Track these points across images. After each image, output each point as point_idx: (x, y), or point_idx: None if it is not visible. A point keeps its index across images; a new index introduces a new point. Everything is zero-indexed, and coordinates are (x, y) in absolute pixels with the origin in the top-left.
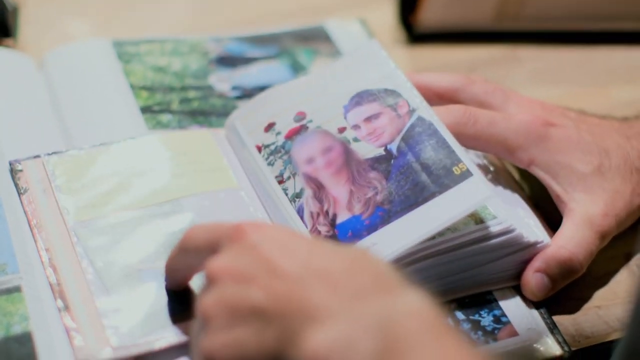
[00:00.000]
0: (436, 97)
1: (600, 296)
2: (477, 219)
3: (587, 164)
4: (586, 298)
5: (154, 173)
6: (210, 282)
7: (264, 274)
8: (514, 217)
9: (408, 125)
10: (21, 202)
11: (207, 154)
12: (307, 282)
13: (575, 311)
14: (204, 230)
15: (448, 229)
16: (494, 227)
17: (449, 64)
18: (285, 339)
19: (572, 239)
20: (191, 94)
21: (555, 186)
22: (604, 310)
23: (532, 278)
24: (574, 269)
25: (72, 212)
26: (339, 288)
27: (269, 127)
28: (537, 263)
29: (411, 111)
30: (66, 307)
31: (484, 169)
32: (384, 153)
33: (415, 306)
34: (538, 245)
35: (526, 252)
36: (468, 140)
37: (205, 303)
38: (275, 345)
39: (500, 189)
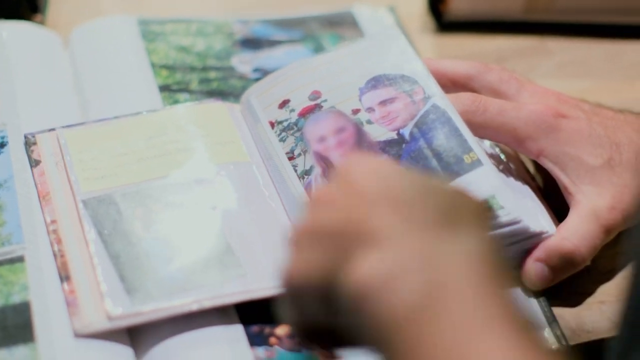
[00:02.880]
0: (451, 84)
1: (604, 292)
2: None
3: (596, 157)
4: (590, 292)
5: (166, 145)
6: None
7: (344, 195)
8: (521, 207)
9: (422, 111)
10: (32, 174)
11: (221, 126)
12: (377, 206)
13: (578, 305)
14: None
15: None
16: (501, 218)
17: (477, 53)
18: (340, 260)
19: (577, 232)
20: (212, 74)
21: (563, 178)
22: (607, 306)
23: (532, 267)
24: (575, 262)
25: (82, 184)
26: (405, 216)
27: (284, 103)
28: (538, 252)
29: (426, 98)
30: (67, 278)
31: (496, 158)
32: (396, 137)
33: (468, 248)
34: (543, 236)
35: (530, 241)
36: (477, 128)
37: (295, 231)
38: (331, 265)
39: (510, 179)
